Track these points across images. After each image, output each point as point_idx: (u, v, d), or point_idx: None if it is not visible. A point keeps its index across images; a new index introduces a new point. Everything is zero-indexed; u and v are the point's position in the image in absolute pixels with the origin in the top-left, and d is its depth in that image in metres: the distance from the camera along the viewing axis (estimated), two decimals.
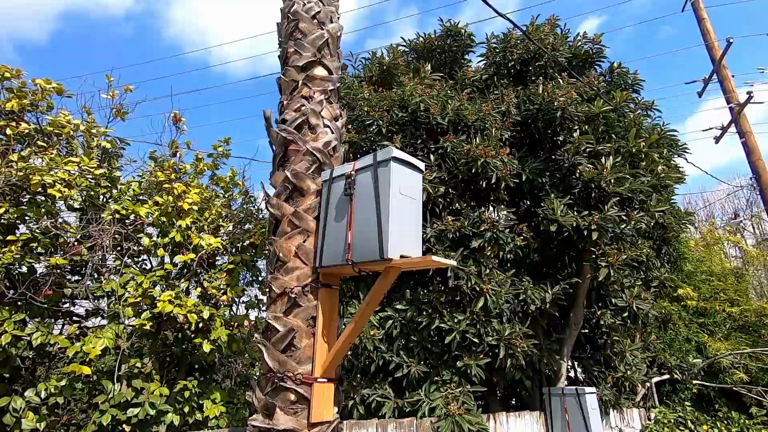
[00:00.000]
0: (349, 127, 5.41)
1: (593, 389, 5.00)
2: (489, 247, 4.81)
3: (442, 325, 4.41)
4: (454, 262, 2.04)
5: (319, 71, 2.81)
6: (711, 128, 15.72)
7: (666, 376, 7.96)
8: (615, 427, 6.22)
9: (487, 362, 4.47)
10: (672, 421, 6.01)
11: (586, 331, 6.57)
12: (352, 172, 2.24)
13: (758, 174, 13.25)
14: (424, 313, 4.59)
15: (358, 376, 4.94)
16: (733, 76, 15.03)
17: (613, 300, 5.95)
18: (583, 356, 6.46)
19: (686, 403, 6.51)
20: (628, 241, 5.42)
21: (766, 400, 7.21)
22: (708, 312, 8.67)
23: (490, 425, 4.55)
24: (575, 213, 4.84)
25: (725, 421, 6.05)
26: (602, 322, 6.19)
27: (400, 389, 4.55)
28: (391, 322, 4.72)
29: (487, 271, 4.59)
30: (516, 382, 5.64)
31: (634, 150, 5.17)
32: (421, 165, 2.28)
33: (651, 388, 7.63)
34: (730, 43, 14.08)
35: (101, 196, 3.04)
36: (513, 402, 6.16)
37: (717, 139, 16.20)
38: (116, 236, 2.77)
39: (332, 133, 2.71)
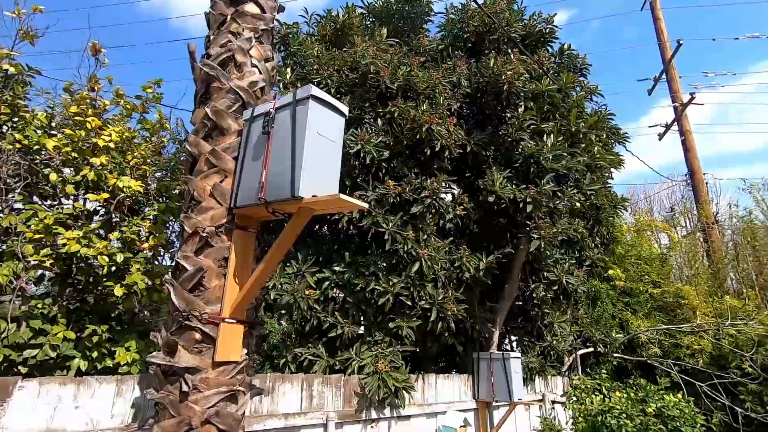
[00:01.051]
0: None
1: (518, 355, 5.28)
2: (430, 215, 4.89)
3: (377, 287, 4.46)
4: (364, 204, 2.03)
5: (251, 8, 2.67)
6: (656, 125, 16.57)
7: (591, 349, 8.55)
8: (539, 392, 6.63)
9: (420, 326, 4.59)
10: (589, 387, 6.48)
11: (521, 303, 6.90)
12: (272, 110, 2.16)
13: (693, 171, 14.21)
14: (362, 275, 4.63)
15: (293, 336, 4.95)
16: (680, 77, 15.81)
17: (545, 274, 6.25)
18: (515, 326, 6.80)
19: (602, 371, 7.02)
20: (563, 218, 5.67)
21: (673, 371, 7.92)
22: (633, 292, 9.32)
23: (419, 385, 4.71)
24: (514, 186, 5.00)
25: (634, 387, 6.60)
26: (535, 295, 6.51)
27: (333, 349, 4.59)
28: (328, 283, 4.73)
29: (425, 236, 4.67)
30: (450, 347, 5.87)
31: (573, 130, 5.36)
32: (344, 108, 2.24)
33: (576, 359, 8.16)
34: (679, 45, 14.75)
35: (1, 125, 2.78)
36: (448, 367, 6.41)
37: (660, 136, 17.13)
38: (17, 168, 2.54)
39: (260, 74, 2.60)
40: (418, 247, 4.53)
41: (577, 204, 5.31)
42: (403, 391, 4.23)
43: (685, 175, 15.44)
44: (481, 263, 4.94)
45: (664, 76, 15.24)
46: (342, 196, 1.84)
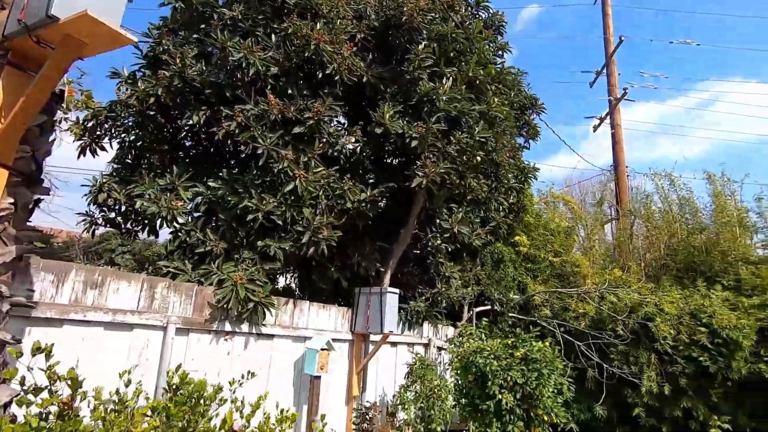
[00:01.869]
0: None
1: (396, 291, 5.41)
2: (320, 143, 4.81)
3: (249, 204, 4.35)
4: (131, 38, 1.89)
5: None
6: (592, 117, 17.27)
7: (488, 307, 9.00)
8: (425, 336, 6.90)
9: (295, 251, 4.55)
10: (471, 333, 6.83)
11: (419, 251, 7.06)
12: None
13: (617, 163, 15.05)
14: (236, 193, 4.50)
15: (163, 251, 4.76)
16: (619, 73, 16.48)
17: (440, 222, 6.41)
18: (410, 272, 6.97)
19: (484, 320, 7.40)
20: (454, 162, 5.76)
21: (558, 331, 8.51)
22: (536, 259, 9.86)
23: (288, 308, 4.71)
24: (405, 122, 5.01)
25: (509, 335, 7.06)
26: (431, 245, 6.68)
27: (200, 264, 4.47)
28: (200, 198, 4.56)
29: (306, 159, 4.59)
30: (337, 283, 5.91)
31: (471, 75, 5.42)
32: None
33: (473, 314, 8.55)
34: (621, 41, 15.36)
35: None
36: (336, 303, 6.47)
37: (595, 128, 17.83)
38: None
39: None
40: (296, 167, 4.45)
41: (469, 149, 5.42)
42: (264, 309, 4.21)
43: (611, 165, 16.40)
44: (363, 194, 4.95)
45: (605, 71, 15.89)
46: (92, 12, 1.69)
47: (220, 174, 4.60)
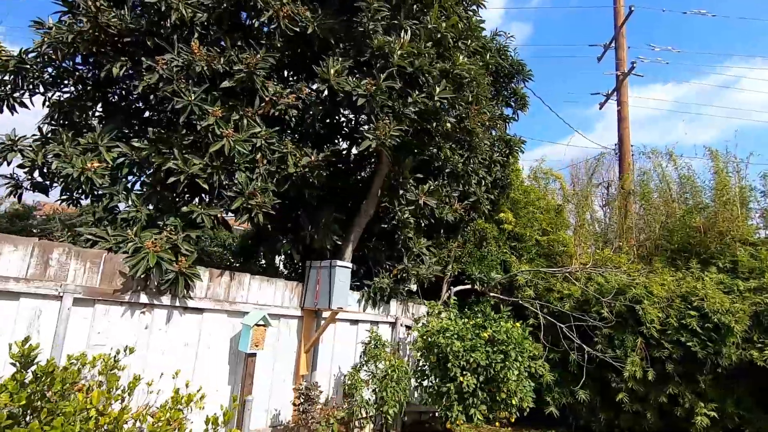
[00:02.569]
0: None
1: (347, 264, 5.02)
2: (261, 102, 4.36)
3: (172, 165, 3.95)
4: None
5: None
6: (597, 93, 16.45)
7: (468, 286, 8.60)
8: (392, 315, 6.53)
9: (221, 214, 4.17)
10: (439, 312, 6.45)
11: (386, 225, 6.64)
12: None
13: (622, 140, 14.32)
14: (162, 154, 4.10)
15: (83, 215, 4.41)
16: (628, 47, 15.61)
17: (405, 194, 5.96)
18: (377, 247, 6.57)
19: (452, 299, 7.00)
20: (416, 125, 5.27)
21: (541, 313, 8.10)
22: (522, 238, 9.39)
23: (223, 280, 4.36)
24: (356, 79, 4.52)
25: (480, 314, 6.67)
26: (397, 218, 6.25)
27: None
28: (124, 159, 4.17)
29: (237, 117, 4.15)
30: (288, 255, 5.54)
31: (431, 27, 4.88)
32: None
33: (450, 293, 8.15)
34: (631, 12, 14.44)
35: None
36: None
37: (601, 105, 17.08)
38: None
39: None
40: (225, 126, 4.02)
41: (432, 112, 4.92)
42: (187, 280, 3.85)
43: (615, 144, 15.67)
44: (305, 158, 4.51)
45: (613, 44, 15.04)
46: None
47: (146, 133, 4.20)
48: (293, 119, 4.70)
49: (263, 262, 6.81)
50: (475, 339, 5.56)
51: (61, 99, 4.57)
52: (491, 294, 8.69)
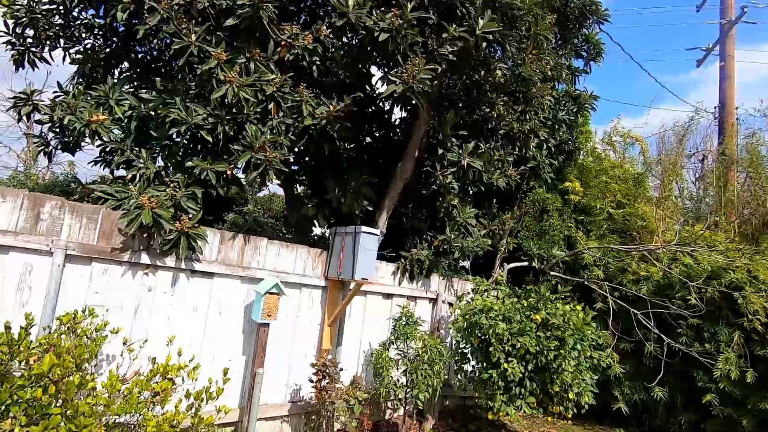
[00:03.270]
0: None
1: (373, 231, 4.45)
2: (278, 49, 3.86)
3: (175, 116, 3.61)
4: None
5: None
6: (695, 48, 14.19)
7: (525, 263, 7.70)
8: (432, 290, 5.92)
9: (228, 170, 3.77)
10: (486, 289, 5.71)
11: (426, 191, 5.97)
12: None
13: (724, 102, 12.13)
14: (167, 104, 3.77)
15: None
16: None
17: (446, 155, 5.23)
18: (413, 214, 5.93)
19: (504, 276, 6.18)
20: (453, 69, 4.48)
21: (611, 297, 7.03)
22: (591, 210, 8.21)
23: (236, 244, 4.01)
24: (380, 12, 3.83)
25: (534, 295, 5.81)
26: (439, 182, 5.56)
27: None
28: (132, 112, 3.91)
29: (244, 60, 3.68)
30: (310, 220, 5.10)
31: None
32: None
33: (504, 270, 7.35)
34: None
35: None
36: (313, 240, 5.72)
37: (699, 63, 14.70)
38: None
39: None
40: (228, 69, 3.57)
41: (473, 54, 4.11)
42: (190, 241, 3.53)
43: (715, 107, 13.36)
44: (322, 108, 3.95)
45: None
46: None
47: (155, 85, 3.89)
48: (315, 67, 4.15)
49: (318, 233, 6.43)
50: (524, 322, 4.79)
51: (83, 54, 4.41)
52: (552, 273, 7.72)
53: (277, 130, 3.91)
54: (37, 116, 4.01)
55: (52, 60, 4.36)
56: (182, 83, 3.77)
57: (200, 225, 3.72)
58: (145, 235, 3.46)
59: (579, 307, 5.12)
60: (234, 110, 3.70)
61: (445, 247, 5.64)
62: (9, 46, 4.14)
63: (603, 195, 8.15)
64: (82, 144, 4.25)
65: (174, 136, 3.77)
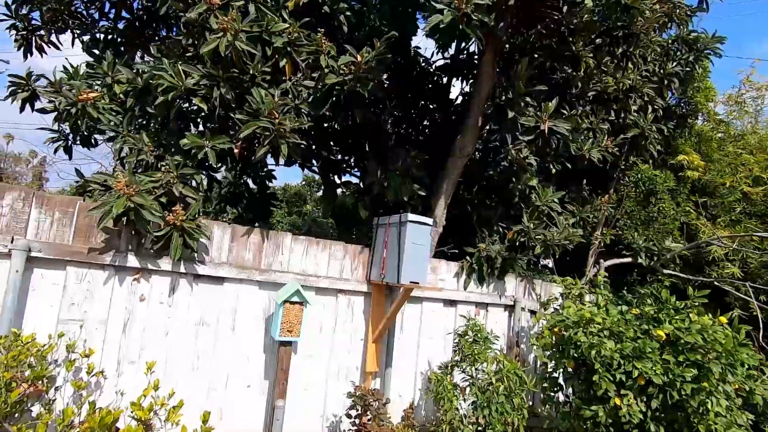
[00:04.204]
0: None
1: (422, 219, 3.41)
2: None
3: (166, 82, 2.89)
4: None
5: None
6: None
7: (628, 260, 6.16)
8: (508, 295, 4.73)
9: (231, 145, 2.98)
10: (579, 294, 4.38)
11: (492, 171, 4.79)
12: None
13: None
14: (160, 70, 3.08)
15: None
16: None
17: (517, 118, 4.03)
18: (473, 199, 4.77)
19: (602, 276, 4.75)
20: None
21: (754, 300, 5.28)
22: (715, 190, 6.39)
23: (253, 242, 3.22)
24: None
25: (649, 300, 4.33)
26: (510, 157, 4.37)
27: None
28: (128, 87, 3.29)
29: (241, 2, 2.86)
30: (353, 211, 4.19)
31: None
32: None
33: (600, 268, 5.92)
34: None
35: None
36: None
37: None
38: None
39: None
40: (223, 15, 2.77)
41: None
42: (185, 238, 2.78)
43: None
44: (345, 58, 2.99)
45: None
46: None
47: (149, 50, 3.23)
48: (342, 17, 3.24)
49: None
50: (642, 339, 3.44)
51: (96, 37, 3.94)
52: (665, 271, 6.08)
53: (292, 93, 3.04)
54: (38, 104, 3.56)
55: (61, 45, 3.93)
56: (178, 46, 3.06)
57: (203, 217, 2.97)
58: (132, 232, 2.78)
59: (723, 319, 3.62)
60: (235, 70, 2.90)
61: (522, 240, 4.42)
62: (13, 30, 3.75)
63: (733, 170, 6.29)
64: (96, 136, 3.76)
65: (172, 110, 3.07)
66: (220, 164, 3.34)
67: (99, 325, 2.69)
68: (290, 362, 3.13)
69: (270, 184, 5.75)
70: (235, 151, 3.01)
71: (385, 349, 3.78)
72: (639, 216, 6.23)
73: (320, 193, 10.65)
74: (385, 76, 4.04)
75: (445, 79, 5.51)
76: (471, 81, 5.51)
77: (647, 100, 5.42)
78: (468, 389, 3.53)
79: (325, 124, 4.57)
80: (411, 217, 3.33)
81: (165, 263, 2.86)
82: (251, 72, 2.94)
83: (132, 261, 2.76)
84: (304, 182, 12.52)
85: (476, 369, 3.54)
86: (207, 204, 3.60)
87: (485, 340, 3.57)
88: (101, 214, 2.52)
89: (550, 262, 6.82)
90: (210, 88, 2.83)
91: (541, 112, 3.88)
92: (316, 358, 3.46)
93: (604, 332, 3.52)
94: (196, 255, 2.99)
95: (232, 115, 2.92)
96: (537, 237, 4.42)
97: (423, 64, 5.26)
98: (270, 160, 4.22)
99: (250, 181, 5.83)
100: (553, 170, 4.87)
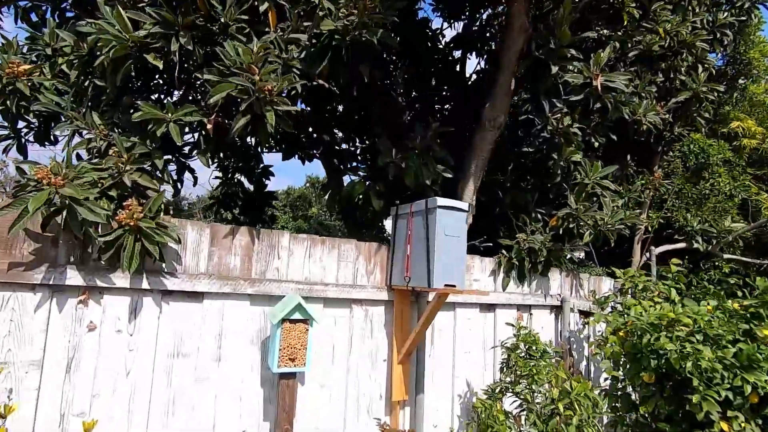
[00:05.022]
0: None
1: (456, 204, 2.66)
2: None
3: (108, 38, 2.17)
4: None
5: None
6: None
7: (681, 245, 5.36)
8: (554, 294, 3.97)
9: (203, 117, 2.26)
10: (646, 287, 3.59)
11: (528, 148, 4.04)
12: None
13: None
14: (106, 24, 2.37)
15: None
16: None
17: (559, 73, 3.27)
18: (506, 182, 4.01)
19: (654, 265, 3.98)
20: None
21: None
22: None
23: (240, 243, 2.49)
24: None
25: (738, 290, 3.55)
26: (550, 127, 3.62)
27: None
28: (71, 56, 2.58)
29: None
30: (363, 204, 3.45)
31: None
32: None
33: (651, 257, 5.14)
34: None
35: None
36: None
37: None
38: None
39: None
40: None
41: None
42: (145, 243, 2.06)
43: None
44: None
45: None
46: None
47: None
48: None
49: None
50: (748, 344, 2.67)
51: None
52: (725, 256, 5.28)
53: (278, 47, 2.32)
54: None
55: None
56: None
57: (170, 216, 2.25)
58: (75, 239, 2.07)
59: None
60: (200, 19, 2.18)
61: (570, 226, 3.65)
62: None
63: None
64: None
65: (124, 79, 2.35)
66: (194, 150, 2.61)
67: (31, 369, 1.97)
68: (295, 398, 2.39)
69: (268, 182, 5.08)
70: (209, 126, 2.29)
71: (415, 370, 3.02)
72: (689, 194, 5.43)
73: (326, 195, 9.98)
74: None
75: (458, 54, 4.80)
76: (487, 54, 4.79)
77: (698, 57, 4.64)
78: (524, 418, 2.77)
79: (328, 107, 3.86)
80: (441, 201, 2.58)
81: (121, 278, 2.14)
82: (222, 20, 2.22)
83: (74, 277, 2.04)
84: (308, 184, 11.84)
85: (532, 391, 2.77)
86: (179, 199, 2.88)
87: (543, 354, 2.81)
88: (16, 214, 1.80)
89: (581, 254, 6.05)
90: (166, 39, 2.11)
91: (592, 63, 3.12)
92: (328, 389, 2.72)
93: (696, 336, 2.74)
94: (164, 265, 2.27)
95: (199, 75, 2.21)
96: (587, 221, 3.66)
97: (432, 40, 4.54)
98: (274, 166, 3.52)
99: (245, 181, 5.17)
100: (596, 143, 4.10)
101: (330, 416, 2.70)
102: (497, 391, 2.87)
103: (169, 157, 2.42)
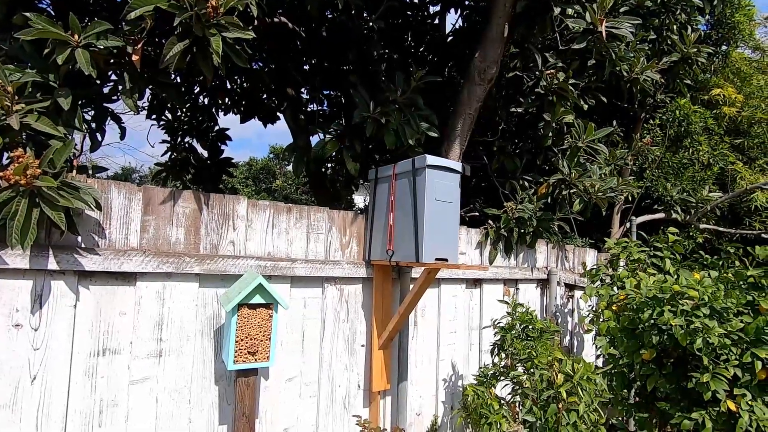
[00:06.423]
0: None
1: (448, 163, 2.26)
2: None
3: None
4: None
5: None
6: None
7: (660, 215, 5.26)
8: (540, 267, 3.70)
9: (124, 44, 1.71)
10: (638, 258, 3.38)
11: (517, 107, 3.67)
12: None
13: None
14: None
15: None
16: None
17: (559, 17, 2.87)
18: (494, 143, 3.65)
19: (634, 235, 3.82)
20: None
21: None
22: (752, 130, 5.53)
23: (188, 210, 1.99)
24: None
25: (729, 262, 3.43)
26: (544, 85, 3.26)
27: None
28: None
29: None
30: (337, 166, 2.97)
31: None
32: None
33: (632, 227, 4.97)
34: None
35: None
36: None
37: None
38: None
39: None
40: None
41: None
42: (50, 210, 1.53)
43: None
44: None
45: None
46: None
47: None
48: None
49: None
50: (746, 315, 2.48)
51: None
52: (701, 226, 5.23)
53: None
54: None
55: None
56: None
57: (86, 176, 1.72)
58: None
59: None
60: None
61: (562, 194, 3.35)
62: None
63: None
64: None
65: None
66: (117, 91, 2.04)
67: None
68: (255, 399, 1.97)
69: (224, 147, 4.55)
70: (134, 57, 1.74)
71: (397, 355, 2.67)
72: (669, 163, 5.30)
73: (291, 158, 9.32)
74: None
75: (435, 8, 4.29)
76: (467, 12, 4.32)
77: (690, 17, 4.39)
78: (519, 403, 2.49)
79: (292, 54, 3.30)
80: (431, 159, 2.16)
81: (16, 257, 1.61)
82: None
83: None
84: (271, 155, 11.11)
85: (530, 372, 2.48)
86: (96, 155, 2.30)
87: (540, 333, 2.50)
88: None
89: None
90: None
91: (597, 5, 2.74)
92: (298, 383, 2.31)
93: (702, 309, 2.52)
94: (79, 239, 1.75)
95: None
96: (578, 187, 3.37)
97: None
98: (234, 138, 3.03)
99: (198, 146, 4.61)
100: (585, 106, 3.79)
101: (300, 415, 2.30)
102: (489, 374, 2.56)
103: (82, 98, 1.85)
